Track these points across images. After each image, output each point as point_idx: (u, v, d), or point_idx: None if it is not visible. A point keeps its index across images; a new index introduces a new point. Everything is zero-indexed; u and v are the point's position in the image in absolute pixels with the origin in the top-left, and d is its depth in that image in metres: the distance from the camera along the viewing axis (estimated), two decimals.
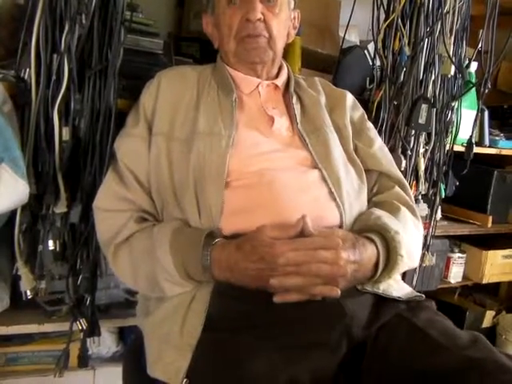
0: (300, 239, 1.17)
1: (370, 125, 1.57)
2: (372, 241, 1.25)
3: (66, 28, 1.40)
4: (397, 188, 1.47)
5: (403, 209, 1.40)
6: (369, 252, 1.23)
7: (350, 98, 1.57)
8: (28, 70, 1.39)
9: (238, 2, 1.39)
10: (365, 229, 1.29)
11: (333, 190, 1.32)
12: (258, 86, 1.45)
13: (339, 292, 1.15)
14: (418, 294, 1.35)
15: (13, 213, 1.43)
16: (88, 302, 1.59)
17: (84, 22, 1.43)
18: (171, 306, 1.25)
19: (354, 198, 1.37)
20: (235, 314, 1.19)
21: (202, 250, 1.20)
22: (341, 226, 1.30)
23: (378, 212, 1.35)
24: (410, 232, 1.35)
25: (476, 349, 1.15)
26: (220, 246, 1.20)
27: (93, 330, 1.60)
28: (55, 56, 1.40)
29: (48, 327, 1.65)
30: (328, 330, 1.18)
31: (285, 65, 1.53)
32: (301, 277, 1.14)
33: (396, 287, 1.33)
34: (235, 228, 1.24)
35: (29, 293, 1.52)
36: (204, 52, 2.07)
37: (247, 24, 1.37)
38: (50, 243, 1.49)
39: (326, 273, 1.14)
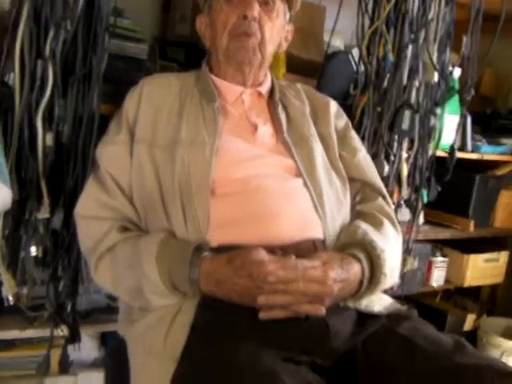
0: (288, 258, 1.18)
1: (354, 134, 1.58)
2: (358, 259, 1.26)
3: (51, 33, 1.39)
4: (380, 199, 1.48)
5: (386, 222, 1.41)
6: (355, 270, 1.24)
7: (333, 105, 1.57)
8: (12, 74, 1.38)
9: (235, 0, 1.39)
10: (351, 243, 1.30)
11: (315, 200, 1.33)
12: (241, 94, 1.46)
13: (324, 311, 1.17)
14: (399, 306, 1.37)
15: None
16: (69, 307, 1.59)
17: (69, 27, 1.42)
18: (155, 317, 1.24)
19: (337, 209, 1.37)
20: (220, 327, 1.19)
21: (189, 263, 1.19)
22: (324, 237, 1.31)
23: (363, 226, 1.36)
24: (392, 248, 1.36)
25: (462, 354, 1.18)
26: (209, 260, 1.20)
27: (74, 337, 1.59)
28: (39, 61, 1.39)
29: (30, 333, 1.64)
30: (313, 346, 1.19)
31: (268, 73, 1.53)
32: (288, 295, 1.14)
33: (377, 301, 1.34)
34: (222, 240, 1.25)
35: (11, 298, 1.51)
36: (189, 57, 2.07)
37: (243, 21, 1.38)
38: (33, 249, 1.48)
39: (313, 292, 1.16)
